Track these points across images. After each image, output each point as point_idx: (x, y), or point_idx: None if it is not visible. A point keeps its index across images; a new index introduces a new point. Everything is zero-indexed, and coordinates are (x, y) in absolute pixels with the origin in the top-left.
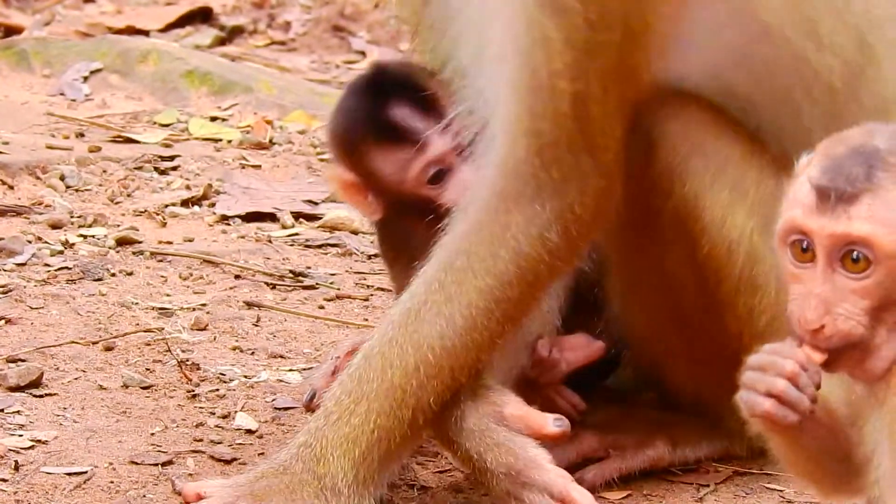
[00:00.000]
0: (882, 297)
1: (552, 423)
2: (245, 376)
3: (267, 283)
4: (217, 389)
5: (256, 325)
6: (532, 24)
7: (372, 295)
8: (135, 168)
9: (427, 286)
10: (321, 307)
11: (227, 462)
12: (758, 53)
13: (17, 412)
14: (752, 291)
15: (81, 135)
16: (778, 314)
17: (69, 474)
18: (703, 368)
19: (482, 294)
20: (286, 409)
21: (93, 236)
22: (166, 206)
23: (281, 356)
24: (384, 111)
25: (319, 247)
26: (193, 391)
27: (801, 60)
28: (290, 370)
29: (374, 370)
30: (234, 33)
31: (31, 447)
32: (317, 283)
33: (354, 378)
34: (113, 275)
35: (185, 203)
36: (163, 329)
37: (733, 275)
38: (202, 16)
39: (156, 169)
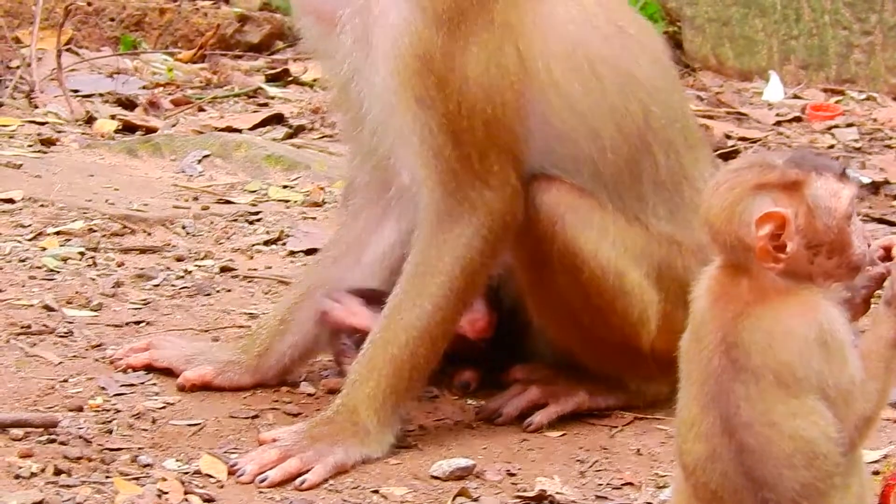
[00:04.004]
0: None
1: None
2: None
3: None
4: None
5: None
6: (417, 117)
7: None
8: (232, 220)
9: (402, 287)
10: None
11: (295, 416)
12: (564, 151)
13: (154, 384)
14: (623, 296)
15: (196, 198)
16: (644, 307)
17: (189, 425)
18: (603, 352)
19: (440, 287)
20: (334, 378)
21: (204, 266)
22: (253, 245)
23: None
24: None
25: None
26: None
27: (589, 158)
28: None
29: (378, 348)
30: (298, 130)
31: (164, 407)
32: None
33: (367, 355)
34: (218, 292)
35: (266, 243)
36: (250, 326)
37: (608, 287)
38: (277, 119)
39: (246, 221)
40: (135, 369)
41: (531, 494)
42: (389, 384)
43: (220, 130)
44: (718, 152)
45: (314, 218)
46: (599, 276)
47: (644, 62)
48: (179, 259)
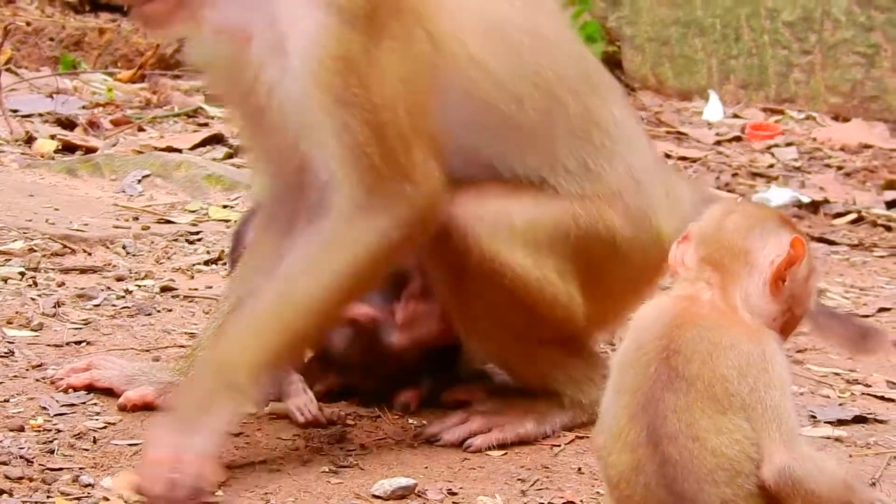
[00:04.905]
0: None
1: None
2: None
3: None
4: None
5: None
6: (338, 116)
7: None
8: (173, 240)
9: (302, 253)
10: None
11: (236, 435)
12: (487, 120)
13: (95, 404)
14: (552, 305)
15: (136, 218)
16: (570, 315)
17: (130, 445)
18: (540, 364)
19: (341, 264)
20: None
21: (145, 285)
22: (194, 264)
23: None
24: None
25: None
26: None
27: (511, 120)
28: None
29: (260, 311)
30: (238, 149)
31: (105, 427)
32: None
33: (247, 317)
34: (158, 311)
35: (206, 263)
36: (191, 346)
37: (532, 287)
38: (217, 139)
39: (187, 240)
40: (76, 389)
41: None
42: (267, 350)
43: (160, 150)
44: None
45: None
46: (521, 284)
47: (543, 18)
48: (120, 279)
